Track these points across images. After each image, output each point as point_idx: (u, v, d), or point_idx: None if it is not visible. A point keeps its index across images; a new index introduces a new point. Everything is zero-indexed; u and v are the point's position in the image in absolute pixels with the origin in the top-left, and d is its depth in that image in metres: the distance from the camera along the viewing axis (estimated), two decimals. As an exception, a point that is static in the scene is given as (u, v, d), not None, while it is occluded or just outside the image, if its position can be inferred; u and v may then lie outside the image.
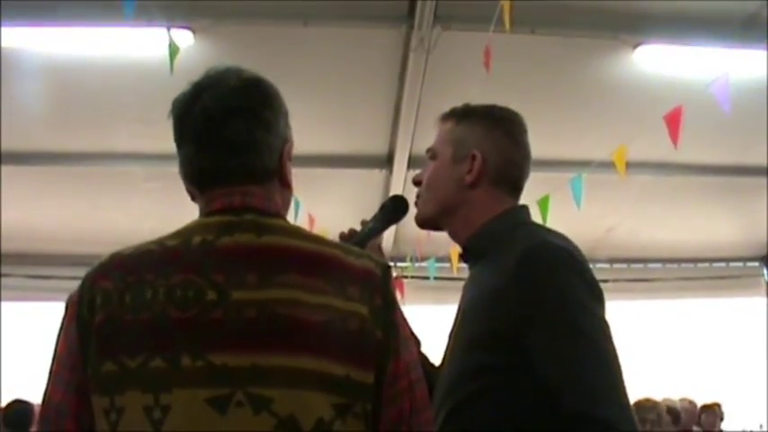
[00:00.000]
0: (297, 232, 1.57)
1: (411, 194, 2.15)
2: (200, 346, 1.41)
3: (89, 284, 1.49)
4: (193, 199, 1.63)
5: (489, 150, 2.02)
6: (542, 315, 1.74)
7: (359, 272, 1.54)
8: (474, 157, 2.01)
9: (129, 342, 1.42)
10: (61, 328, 1.51)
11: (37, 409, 6.50)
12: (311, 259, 1.52)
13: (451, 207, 2.03)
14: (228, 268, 1.46)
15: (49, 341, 1.53)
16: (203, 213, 1.58)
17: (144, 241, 1.54)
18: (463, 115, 2.09)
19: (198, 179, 1.60)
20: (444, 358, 1.99)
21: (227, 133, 1.57)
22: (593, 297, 1.80)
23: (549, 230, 1.96)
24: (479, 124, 2.05)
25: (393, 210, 2.17)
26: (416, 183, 2.12)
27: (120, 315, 1.43)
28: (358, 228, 2.16)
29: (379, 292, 1.54)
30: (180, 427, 1.38)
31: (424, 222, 2.10)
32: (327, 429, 1.42)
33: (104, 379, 1.41)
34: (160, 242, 1.53)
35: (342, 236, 2.12)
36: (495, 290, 1.82)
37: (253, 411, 1.39)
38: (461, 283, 2.09)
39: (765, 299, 8.98)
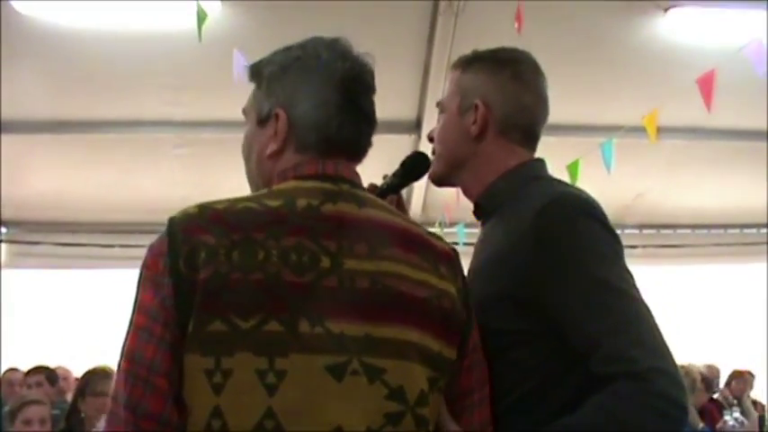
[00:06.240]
0: (386, 207, 1.61)
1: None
2: (318, 312, 1.41)
3: (183, 236, 1.43)
4: (274, 155, 1.59)
5: (494, 97, 1.87)
6: (565, 273, 1.62)
7: (442, 251, 1.59)
8: (477, 107, 1.87)
9: (240, 302, 1.39)
10: (143, 279, 1.45)
11: (63, 374, 6.64)
12: (406, 235, 1.55)
13: (460, 162, 1.91)
14: (338, 236, 1.47)
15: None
16: (291, 176, 1.55)
17: (233, 197, 1.50)
18: (468, 62, 1.94)
19: (324, 144, 1.57)
20: None
21: (366, 106, 1.60)
22: (618, 245, 1.70)
23: (567, 184, 1.88)
24: (483, 70, 1.91)
25: (412, 166, 2.05)
26: (430, 139, 2.00)
27: (227, 273, 1.39)
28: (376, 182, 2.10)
29: (460, 273, 1.60)
30: (296, 393, 1.37)
31: (435, 179, 1.98)
32: (425, 401, 1.46)
33: (211, 338, 1.38)
34: (258, 201, 1.49)
35: None
36: (507, 251, 1.71)
37: (367, 380, 1.41)
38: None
39: (797, 265, 8.89)
